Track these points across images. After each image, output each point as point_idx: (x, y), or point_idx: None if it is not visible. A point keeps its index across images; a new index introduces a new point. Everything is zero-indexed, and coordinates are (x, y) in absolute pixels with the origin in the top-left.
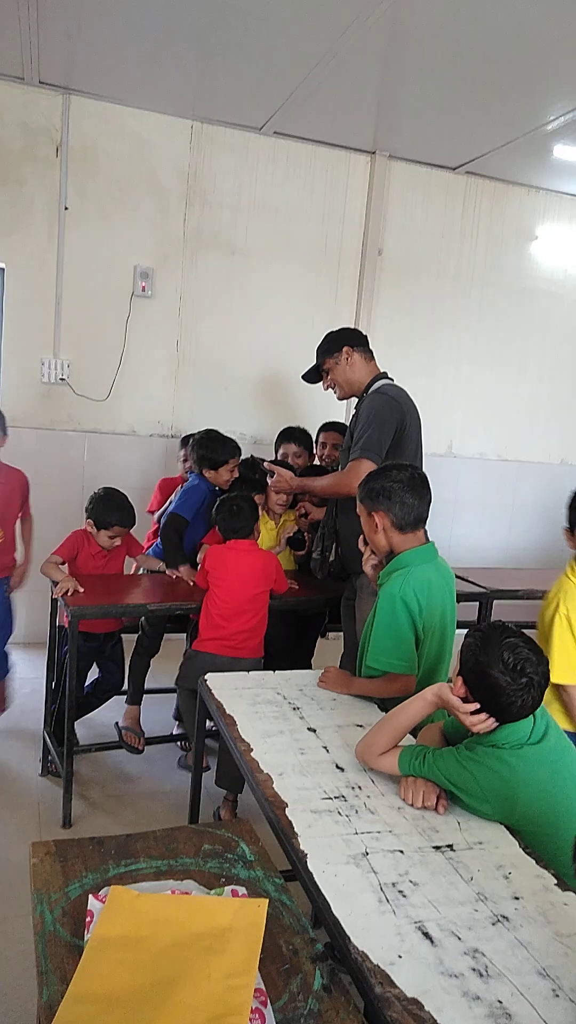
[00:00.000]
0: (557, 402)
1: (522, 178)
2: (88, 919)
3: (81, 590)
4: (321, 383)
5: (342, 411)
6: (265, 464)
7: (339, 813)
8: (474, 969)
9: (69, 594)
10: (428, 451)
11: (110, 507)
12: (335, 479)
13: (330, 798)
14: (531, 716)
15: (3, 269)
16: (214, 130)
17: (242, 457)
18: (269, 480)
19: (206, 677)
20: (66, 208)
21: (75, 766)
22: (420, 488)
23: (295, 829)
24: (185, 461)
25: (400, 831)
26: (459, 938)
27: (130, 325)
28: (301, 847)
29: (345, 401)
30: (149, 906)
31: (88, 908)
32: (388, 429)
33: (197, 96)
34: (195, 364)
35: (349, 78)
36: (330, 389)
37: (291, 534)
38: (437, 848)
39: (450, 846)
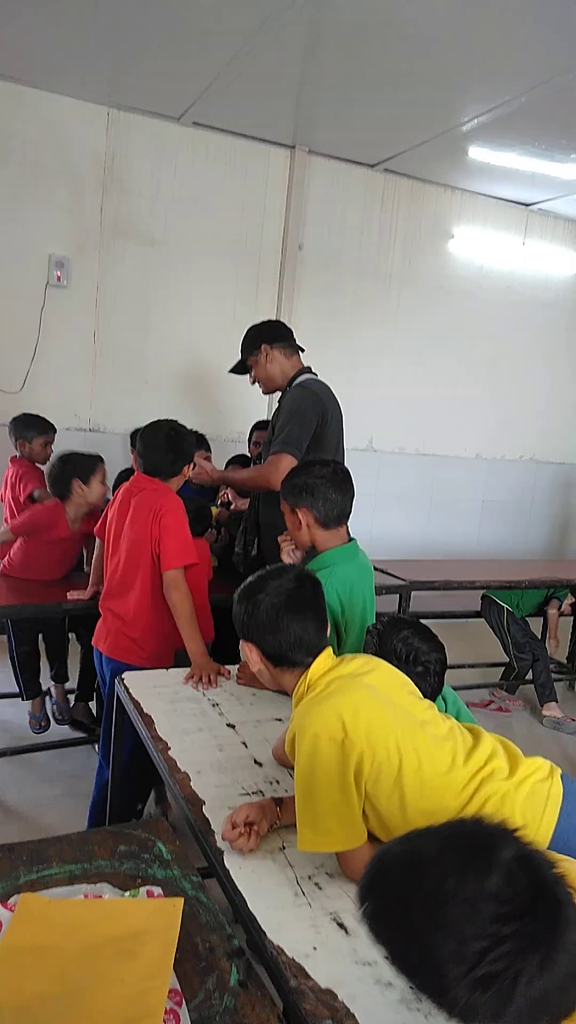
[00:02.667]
0: (473, 398)
1: (439, 177)
2: None
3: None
4: (248, 377)
5: (264, 404)
6: None
7: (248, 803)
8: (386, 956)
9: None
10: (349, 446)
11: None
12: (255, 472)
13: (248, 793)
14: (441, 701)
15: None
16: (131, 118)
17: None
18: (191, 472)
19: (123, 676)
20: None
21: None
22: (343, 483)
23: (212, 827)
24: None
25: None
26: None
27: (45, 315)
28: (218, 844)
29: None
30: (60, 912)
31: None
32: (308, 423)
33: (114, 82)
34: (114, 356)
35: (269, 71)
36: (256, 384)
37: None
38: None
39: None
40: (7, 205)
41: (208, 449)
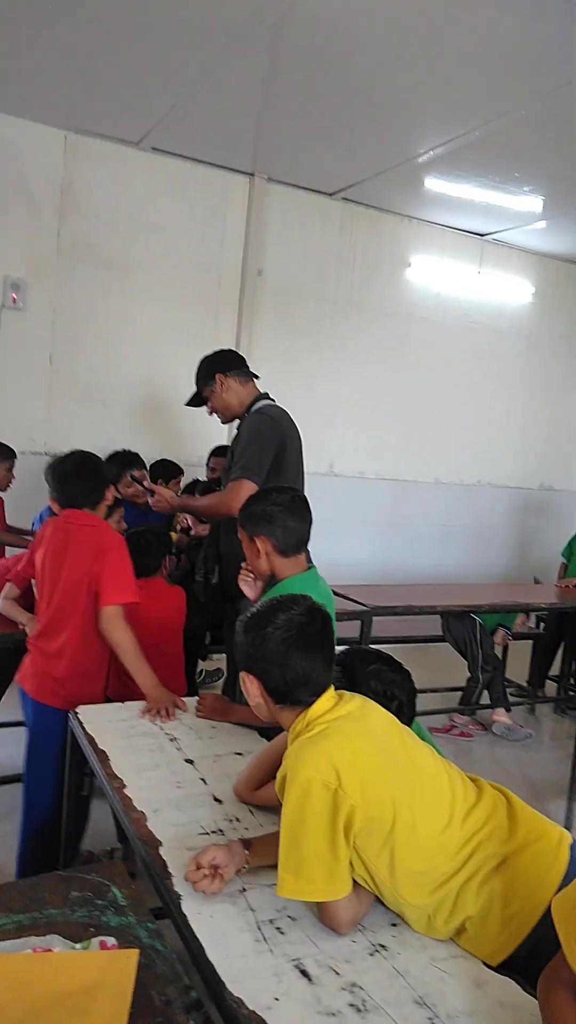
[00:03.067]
0: (431, 423)
1: (396, 207)
2: None
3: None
4: (205, 408)
5: (224, 430)
6: (145, 484)
7: (216, 844)
8: (351, 1005)
9: None
10: (309, 470)
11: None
12: (216, 499)
13: (207, 833)
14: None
15: None
16: (89, 142)
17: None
18: (149, 499)
19: (77, 710)
20: None
21: None
22: (301, 510)
23: (168, 869)
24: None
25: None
26: (337, 973)
27: (0, 338)
28: (175, 887)
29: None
30: (6, 969)
31: None
32: (268, 449)
33: (71, 106)
34: (71, 380)
35: (228, 99)
36: (213, 414)
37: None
38: None
39: None
40: None
41: (144, 467)
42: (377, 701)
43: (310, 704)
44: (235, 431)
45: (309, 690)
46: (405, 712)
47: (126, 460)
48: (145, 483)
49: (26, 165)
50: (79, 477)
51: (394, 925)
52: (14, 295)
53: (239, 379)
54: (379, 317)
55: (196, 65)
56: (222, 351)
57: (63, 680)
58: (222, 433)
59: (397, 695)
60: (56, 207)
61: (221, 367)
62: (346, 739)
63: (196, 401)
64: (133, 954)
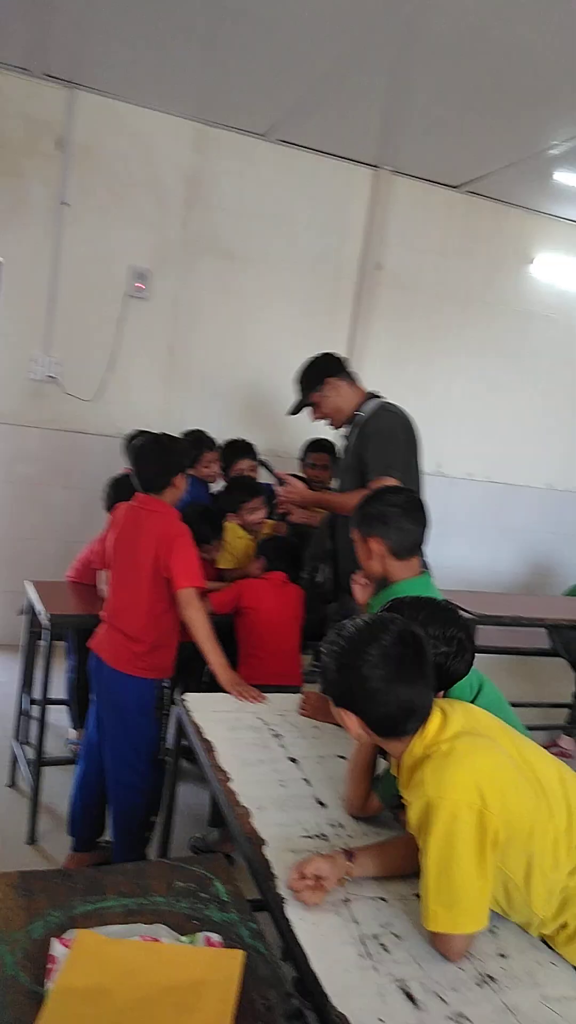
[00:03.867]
0: (547, 426)
1: (522, 200)
2: (51, 965)
3: None
4: (310, 414)
5: (319, 425)
6: (276, 473)
7: (319, 853)
8: None
9: None
10: None
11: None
12: (351, 497)
13: (310, 836)
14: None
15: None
16: (218, 133)
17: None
18: (279, 490)
19: (184, 696)
20: (65, 204)
21: (45, 778)
22: (417, 512)
23: (272, 870)
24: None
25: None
26: (444, 1000)
27: (123, 326)
28: (278, 890)
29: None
30: (117, 954)
31: (51, 953)
32: (404, 444)
33: (202, 98)
34: (187, 369)
35: (356, 90)
36: (320, 420)
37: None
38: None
39: None
40: (93, 217)
41: (212, 448)
42: (438, 646)
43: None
44: (349, 431)
45: (417, 718)
46: (468, 648)
47: (201, 441)
48: (276, 472)
49: (156, 157)
50: (147, 461)
51: (502, 956)
52: (140, 284)
53: (347, 381)
54: (499, 314)
55: (328, 57)
56: (326, 355)
57: (141, 653)
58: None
59: (456, 634)
60: (183, 198)
61: (330, 370)
62: (478, 755)
63: (299, 408)
64: (239, 955)
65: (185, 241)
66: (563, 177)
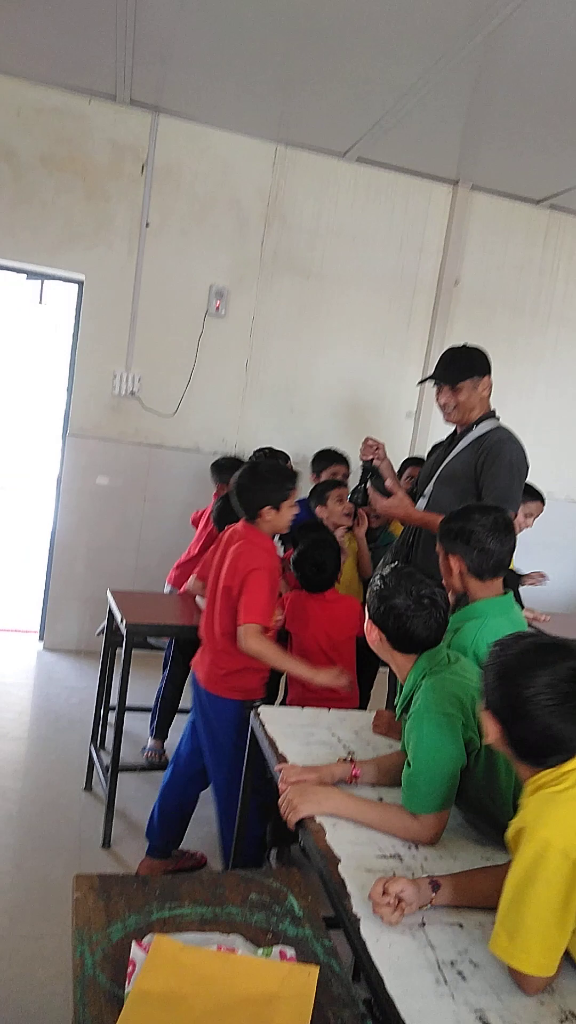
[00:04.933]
0: None
1: None
2: (130, 968)
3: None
4: (439, 394)
5: (407, 439)
6: (389, 484)
7: (394, 874)
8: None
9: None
10: None
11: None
12: None
13: (386, 856)
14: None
15: (83, 281)
16: (297, 154)
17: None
18: (381, 503)
19: (260, 710)
20: (147, 225)
21: (120, 784)
22: (503, 533)
23: (347, 889)
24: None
25: None
26: None
27: (202, 343)
28: (353, 910)
29: (412, 433)
30: (194, 961)
31: (131, 957)
32: (523, 482)
33: (282, 120)
34: (263, 385)
35: (436, 107)
36: (445, 405)
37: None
38: None
39: None
40: (174, 238)
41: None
42: (409, 599)
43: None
44: (422, 435)
45: (561, 758)
46: (436, 613)
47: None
48: (389, 483)
49: (237, 178)
50: (238, 491)
51: None
52: (218, 303)
53: (490, 388)
54: None
55: (408, 76)
56: (482, 350)
57: (224, 675)
58: (405, 443)
59: (425, 593)
60: (262, 217)
61: (488, 368)
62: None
63: (444, 380)
64: (314, 971)
65: (263, 260)
66: None
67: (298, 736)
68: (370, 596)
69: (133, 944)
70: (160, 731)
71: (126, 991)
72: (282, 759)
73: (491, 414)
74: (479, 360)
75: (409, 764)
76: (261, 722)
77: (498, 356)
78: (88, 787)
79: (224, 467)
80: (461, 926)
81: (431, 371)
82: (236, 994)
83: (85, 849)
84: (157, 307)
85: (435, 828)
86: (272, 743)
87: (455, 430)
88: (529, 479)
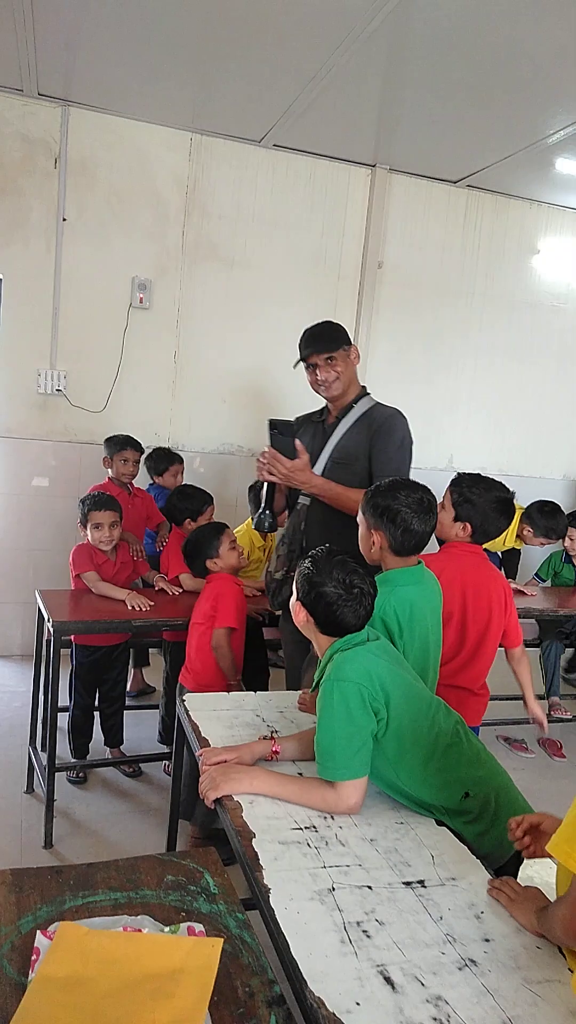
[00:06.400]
0: (559, 416)
1: (523, 192)
2: (34, 956)
3: (151, 604)
4: (317, 373)
5: None
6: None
7: (308, 844)
8: (435, 1019)
9: (141, 610)
10: (428, 465)
11: (86, 499)
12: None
13: (300, 828)
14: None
15: (0, 280)
16: (213, 142)
17: None
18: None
19: (184, 697)
20: (64, 219)
21: (62, 784)
22: (426, 514)
23: (260, 861)
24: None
25: (370, 865)
26: (423, 984)
27: (127, 336)
28: (265, 881)
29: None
30: (98, 944)
31: (35, 945)
32: (411, 458)
33: (196, 108)
34: (193, 376)
35: (348, 90)
36: (321, 382)
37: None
38: (408, 884)
39: (421, 882)
40: (93, 231)
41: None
42: (339, 588)
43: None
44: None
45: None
46: (365, 601)
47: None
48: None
49: (154, 168)
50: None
51: (487, 940)
52: (141, 295)
53: (359, 358)
54: (505, 307)
55: (314, 59)
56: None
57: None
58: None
59: (357, 583)
60: (181, 207)
61: (350, 339)
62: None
63: (322, 349)
64: (218, 942)
65: (184, 250)
66: (564, 165)
67: (223, 719)
68: (299, 578)
69: (38, 933)
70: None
71: (29, 979)
72: (204, 743)
73: (365, 391)
74: (343, 330)
75: (318, 733)
76: (186, 708)
77: (426, 336)
78: (29, 789)
79: (160, 458)
80: (370, 888)
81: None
82: (140, 971)
83: (27, 851)
84: (79, 302)
85: (353, 796)
86: (196, 728)
87: (325, 407)
88: (461, 453)
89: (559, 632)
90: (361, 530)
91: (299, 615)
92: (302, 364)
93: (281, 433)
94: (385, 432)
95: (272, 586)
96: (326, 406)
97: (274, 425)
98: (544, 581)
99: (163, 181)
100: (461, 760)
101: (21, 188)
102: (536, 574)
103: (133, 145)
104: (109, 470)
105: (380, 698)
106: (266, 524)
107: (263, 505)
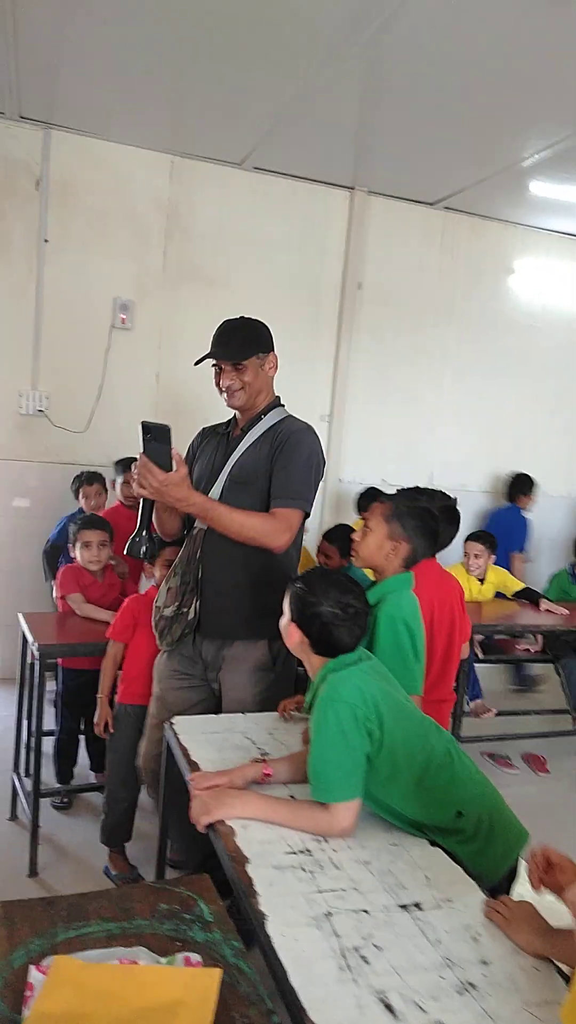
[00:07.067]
0: (537, 434)
1: (499, 213)
2: (28, 992)
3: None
4: (219, 375)
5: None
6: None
7: (303, 869)
8: None
9: None
10: (409, 483)
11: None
12: (260, 523)
13: (294, 852)
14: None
15: None
16: (194, 164)
17: None
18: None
19: (173, 720)
20: (46, 241)
21: (47, 811)
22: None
23: (255, 887)
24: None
25: (366, 888)
26: (423, 1009)
27: (109, 357)
28: (260, 907)
29: (327, 436)
30: (93, 978)
31: (28, 980)
32: (319, 478)
33: (176, 131)
34: (176, 397)
35: (326, 114)
36: (227, 387)
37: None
38: (404, 907)
39: (417, 904)
40: (74, 253)
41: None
42: (335, 608)
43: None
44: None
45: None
46: (360, 621)
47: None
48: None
49: (134, 190)
50: None
51: (484, 963)
52: (123, 316)
53: (276, 367)
54: (482, 327)
55: (294, 83)
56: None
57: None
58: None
59: (353, 603)
60: (162, 229)
61: (272, 343)
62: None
63: (227, 355)
64: (216, 973)
65: (166, 271)
66: (538, 188)
67: (212, 743)
68: (292, 599)
69: (31, 968)
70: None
71: (23, 1016)
72: (195, 767)
73: (277, 401)
74: (264, 334)
75: (311, 754)
76: (175, 732)
77: (405, 355)
78: (13, 816)
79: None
80: (367, 912)
81: (340, 374)
82: (138, 1004)
83: (11, 880)
84: (61, 323)
85: (347, 818)
86: (185, 752)
87: (233, 417)
88: (441, 470)
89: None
90: (376, 533)
91: (293, 637)
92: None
93: (155, 439)
94: (290, 448)
95: (161, 624)
96: (235, 416)
97: (147, 429)
98: (551, 601)
99: (144, 203)
100: (454, 779)
101: (2, 210)
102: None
103: (114, 167)
104: (116, 491)
105: (374, 718)
106: (141, 550)
107: (138, 525)
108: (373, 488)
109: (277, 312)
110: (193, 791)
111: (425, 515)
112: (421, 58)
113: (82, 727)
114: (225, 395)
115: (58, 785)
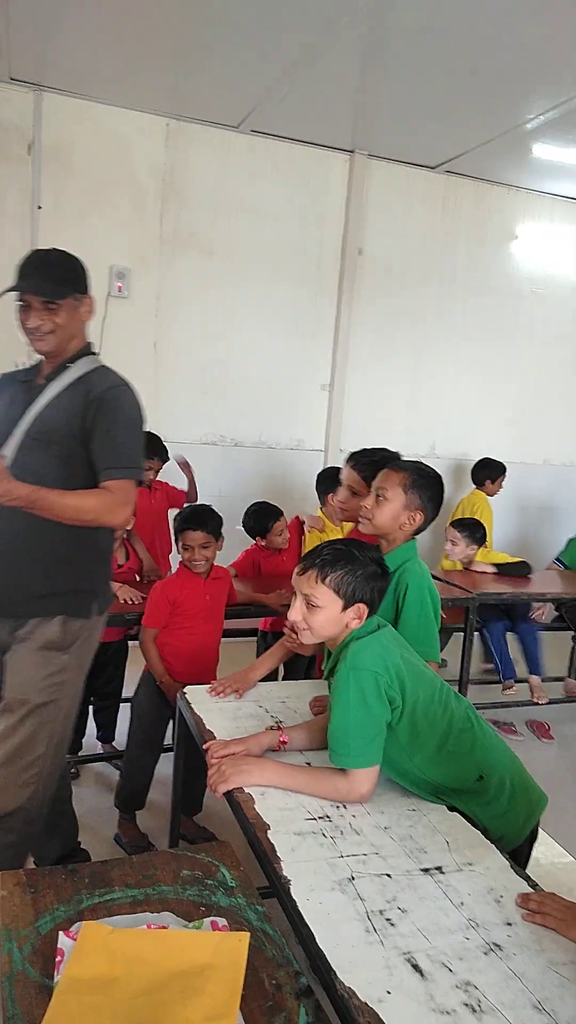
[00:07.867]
0: (541, 402)
1: (502, 177)
2: (58, 958)
3: (142, 596)
4: (22, 313)
5: (323, 411)
6: None
7: (323, 835)
8: (466, 1004)
9: (133, 603)
10: (410, 452)
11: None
12: (95, 500)
13: (314, 818)
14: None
15: None
16: (191, 128)
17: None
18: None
19: (186, 690)
20: (39, 207)
21: None
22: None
23: (277, 853)
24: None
25: (387, 853)
26: (450, 970)
27: (106, 326)
28: (284, 872)
29: (327, 405)
30: (123, 943)
31: (58, 946)
32: (143, 437)
33: (173, 93)
34: (174, 366)
35: (326, 76)
36: (35, 328)
37: None
38: (426, 871)
39: (439, 868)
40: (69, 220)
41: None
42: (384, 571)
43: None
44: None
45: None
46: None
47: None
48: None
49: (130, 154)
50: None
51: (509, 924)
52: (119, 284)
53: (93, 312)
54: (485, 293)
55: (293, 44)
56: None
57: None
58: (321, 416)
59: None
60: (159, 195)
61: (88, 285)
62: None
63: (40, 291)
64: (245, 937)
65: (163, 238)
66: (541, 151)
67: (226, 712)
68: (342, 577)
69: (60, 934)
70: None
71: (55, 981)
72: (210, 736)
73: (89, 349)
74: (82, 273)
75: (332, 721)
76: (188, 702)
77: (407, 322)
78: None
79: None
80: (389, 876)
81: (340, 343)
82: (168, 969)
83: None
84: None
85: (366, 784)
86: (199, 721)
87: (38, 364)
88: (443, 439)
89: None
90: (391, 504)
91: (341, 620)
92: (11, 295)
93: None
94: (109, 408)
95: None
96: (40, 362)
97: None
98: (567, 567)
99: (140, 168)
100: (475, 743)
101: None
102: (558, 559)
103: (109, 131)
104: None
105: (396, 686)
106: None
107: None
108: (332, 468)
109: (276, 279)
110: (210, 759)
111: (438, 485)
112: (423, 18)
113: (91, 698)
114: (31, 338)
115: (66, 755)
